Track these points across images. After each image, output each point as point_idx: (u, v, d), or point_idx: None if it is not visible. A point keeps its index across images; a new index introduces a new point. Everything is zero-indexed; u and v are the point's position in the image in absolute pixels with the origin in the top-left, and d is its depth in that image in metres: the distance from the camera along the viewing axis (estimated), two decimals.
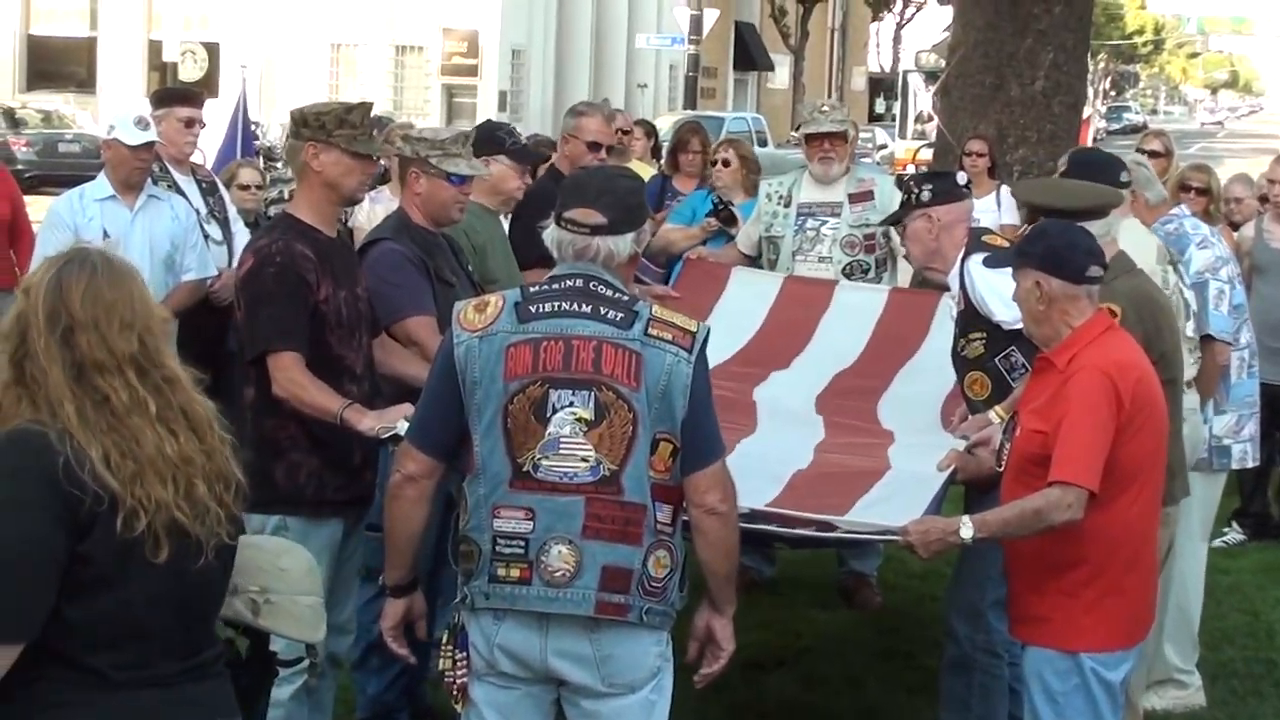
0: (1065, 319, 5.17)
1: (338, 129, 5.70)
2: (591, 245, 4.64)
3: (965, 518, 5.12)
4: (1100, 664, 5.12)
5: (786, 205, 8.68)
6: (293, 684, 5.60)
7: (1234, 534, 10.14)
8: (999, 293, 5.87)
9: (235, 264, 9.57)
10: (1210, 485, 7.31)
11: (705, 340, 4.61)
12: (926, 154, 30.70)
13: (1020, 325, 5.50)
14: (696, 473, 4.59)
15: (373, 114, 6.05)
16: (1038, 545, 5.11)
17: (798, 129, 11.95)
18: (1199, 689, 7.29)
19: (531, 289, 4.71)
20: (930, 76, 47.85)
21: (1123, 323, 5.60)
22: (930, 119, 29.90)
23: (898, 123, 55.25)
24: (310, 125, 5.72)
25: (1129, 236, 6.54)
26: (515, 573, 4.55)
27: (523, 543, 4.54)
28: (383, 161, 7.25)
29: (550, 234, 4.73)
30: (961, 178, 6.69)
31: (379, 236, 6.40)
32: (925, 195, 6.36)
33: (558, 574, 4.52)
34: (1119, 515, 5.06)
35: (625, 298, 4.64)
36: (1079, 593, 5.11)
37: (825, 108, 9.02)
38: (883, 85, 71.63)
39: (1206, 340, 7.16)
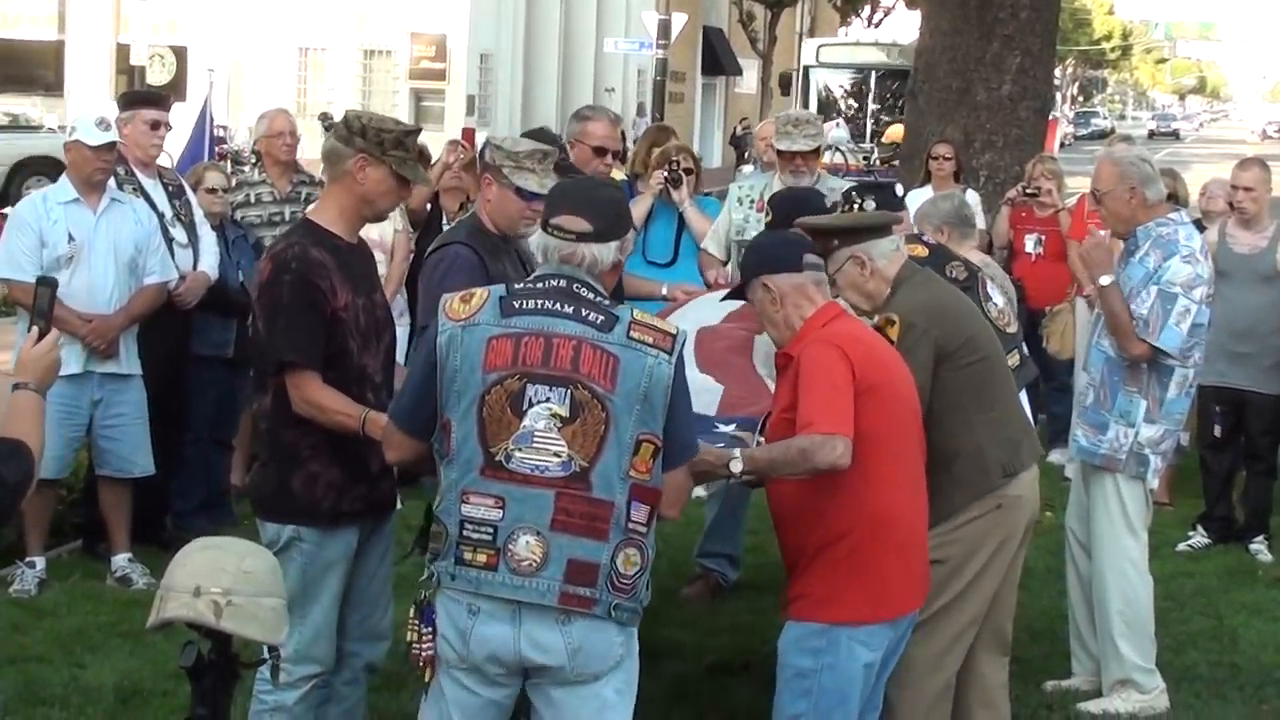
0: (798, 312, 5.33)
1: (394, 149, 5.62)
2: (577, 251, 4.76)
3: (737, 451, 5.23)
4: (854, 637, 5.22)
5: (759, 210, 8.66)
6: (297, 689, 5.58)
7: (1198, 538, 10.18)
8: None
9: (250, 272, 9.53)
10: (1129, 485, 7.24)
11: (683, 344, 4.74)
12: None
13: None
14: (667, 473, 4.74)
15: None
16: (795, 526, 5.26)
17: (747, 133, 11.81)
18: (1162, 692, 7.28)
19: (516, 286, 4.82)
20: None
21: (910, 333, 5.69)
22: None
23: None
24: (367, 138, 5.61)
25: None
26: (482, 558, 4.63)
27: (491, 529, 4.63)
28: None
29: (537, 239, 4.87)
30: (899, 189, 6.64)
31: (451, 239, 6.40)
32: (870, 206, 6.24)
33: (524, 563, 4.60)
34: (853, 490, 5.15)
35: (606, 302, 4.75)
36: (836, 566, 5.22)
37: (798, 122, 8.93)
38: None
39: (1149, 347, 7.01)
